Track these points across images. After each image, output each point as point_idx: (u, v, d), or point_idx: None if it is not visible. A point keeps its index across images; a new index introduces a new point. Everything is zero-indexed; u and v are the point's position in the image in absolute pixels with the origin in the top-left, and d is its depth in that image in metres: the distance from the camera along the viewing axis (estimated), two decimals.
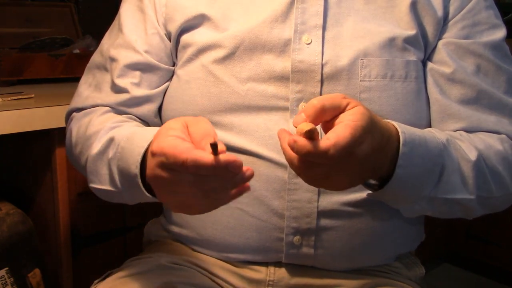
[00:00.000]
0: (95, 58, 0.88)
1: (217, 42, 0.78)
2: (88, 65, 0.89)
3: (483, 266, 2.08)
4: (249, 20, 0.78)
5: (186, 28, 0.81)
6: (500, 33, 0.81)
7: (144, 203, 1.20)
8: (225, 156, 0.53)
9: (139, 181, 0.65)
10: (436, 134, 0.72)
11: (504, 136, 0.78)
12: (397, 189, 0.67)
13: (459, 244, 2.13)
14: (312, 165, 0.58)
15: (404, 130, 0.66)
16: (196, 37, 0.80)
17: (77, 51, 1.34)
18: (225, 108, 0.77)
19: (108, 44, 0.86)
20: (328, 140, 0.56)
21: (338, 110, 0.59)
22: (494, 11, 0.83)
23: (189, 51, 0.80)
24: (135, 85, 0.82)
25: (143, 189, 0.65)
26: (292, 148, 0.56)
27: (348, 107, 0.59)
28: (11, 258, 1.01)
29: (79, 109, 0.85)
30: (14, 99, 1.07)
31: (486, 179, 0.74)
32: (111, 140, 0.73)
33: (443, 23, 0.80)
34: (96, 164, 0.74)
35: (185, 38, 0.81)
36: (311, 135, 0.55)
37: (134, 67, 0.82)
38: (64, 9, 1.46)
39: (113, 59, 0.83)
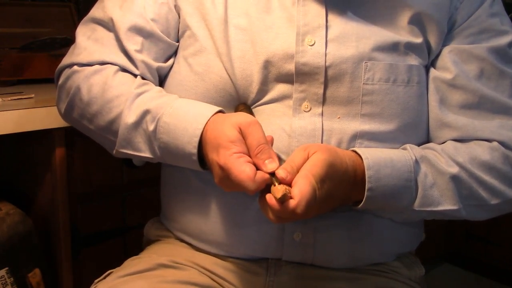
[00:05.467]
0: (96, 13, 0.86)
1: (221, 42, 0.79)
2: (85, 18, 0.87)
3: (483, 266, 2.08)
4: (253, 23, 0.78)
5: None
6: (506, 38, 0.82)
7: (144, 203, 1.20)
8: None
9: (197, 160, 0.73)
10: (405, 152, 0.76)
11: (495, 144, 0.78)
12: (372, 206, 0.74)
13: (459, 244, 2.13)
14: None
15: (368, 156, 0.72)
16: (200, 32, 0.80)
17: None
18: (234, 105, 0.79)
19: (113, 3, 0.84)
20: (293, 200, 0.64)
21: (305, 160, 0.69)
22: (501, 17, 0.83)
23: (201, 41, 0.80)
24: (137, 52, 0.81)
25: (199, 167, 0.74)
26: (266, 206, 0.66)
27: (310, 155, 0.69)
28: (11, 258, 1.01)
29: (81, 64, 0.83)
30: (14, 99, 1.07)
31: (471, 189, 0.76)
32: (146, 113, 0.76)
33: (449, 31, 0.81)
34: (131, 133, 0.77)
35: (195, 23, 0.81)
36: (282, 200, 0.64)
37: (138, 32, 0.81)
38: (64, 9, 1.46)
39: (116, 21, 0.82)
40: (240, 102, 0.79)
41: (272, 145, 0.71)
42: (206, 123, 0.72)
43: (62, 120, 0.91)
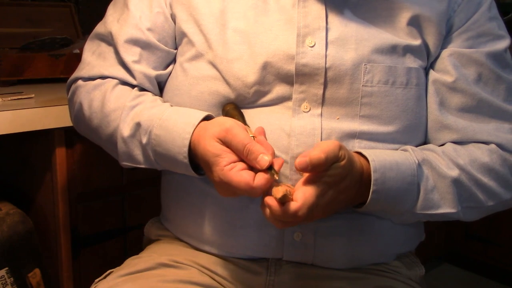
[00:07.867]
0: (99, 28, 0.88)
1: (217, 44, 0.79)
2: (92, 33, 0.90)
3: (483, 266, 2.08)
4: (252, 25, 0.78)
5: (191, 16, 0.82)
6: (503, 43, 0.83)
7: (144, 203, 1.20)
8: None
9: (190, 167, 0.74)
10: (409, 155, 0.76)
11: (493, 146, 0.79)
12: (374, 208, 0.74)
13: (459, 244, 2.13)
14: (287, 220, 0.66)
15: (374, 158, 0.72)
16: (195, 38, 0.80)
17: (77, 51, 1.34)
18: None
19: (112, 17, 0.86)
20: (296, 202, 0.64)
21: (335, 161, 0.67)
22: (498, 22, 0.84)
23: (197, 46, 0.80)
24: (135, 63, 0.83)
25: (195, 174, 0.75)
26: (267, 209, 0.65)
27: (341, 157, 0.67)
28: (11, 258, 1.01)
29: (84, 78, 0.86)
30: (14, 99, 1.07)
31: (471, 192, 0.77)
32: (138, 126, 0.77)
33: (447, 34, 0.82)
34: (128, 146, 0.79)
35: (190, 29, 0.81)
36: (283, 200, 0.63)
37: (135, 43, 0.83)
38: (64, 9, 1.46)
39: (114, 34, 0.84)
40: (235, 102, 0.79)
41: (264, 135, 0.72)
42: (193, 132, 0.73)
43: (62, 120, 0.92)
